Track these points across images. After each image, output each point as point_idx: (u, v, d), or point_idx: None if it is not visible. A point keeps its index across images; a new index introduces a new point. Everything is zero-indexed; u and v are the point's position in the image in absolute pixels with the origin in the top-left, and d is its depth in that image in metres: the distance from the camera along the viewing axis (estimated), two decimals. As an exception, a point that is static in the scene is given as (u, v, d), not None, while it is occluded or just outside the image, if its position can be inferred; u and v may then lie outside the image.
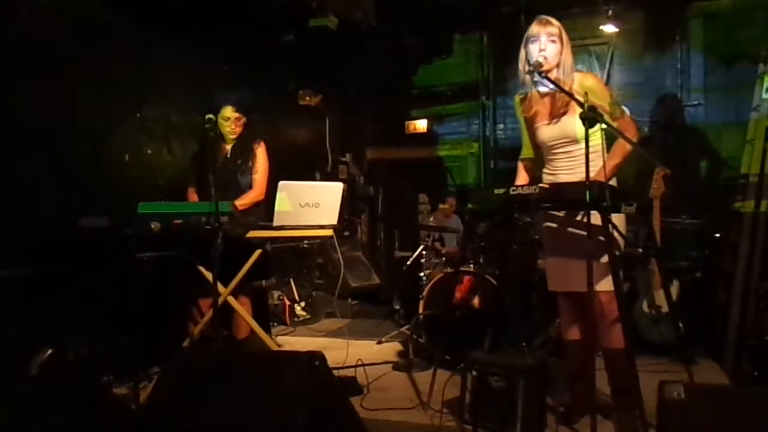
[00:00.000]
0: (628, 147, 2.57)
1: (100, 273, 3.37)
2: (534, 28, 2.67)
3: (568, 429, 2.78)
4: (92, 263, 3.32)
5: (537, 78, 2.70)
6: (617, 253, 2.63)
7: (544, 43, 2.64)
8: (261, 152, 3.66)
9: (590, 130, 2.39)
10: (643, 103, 5.28)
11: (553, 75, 2.64)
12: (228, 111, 3.54)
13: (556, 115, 2.72)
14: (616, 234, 2.60)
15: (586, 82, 2.68)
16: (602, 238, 2.45)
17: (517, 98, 2.91)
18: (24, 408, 2.08)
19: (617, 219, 2.61)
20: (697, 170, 5.15)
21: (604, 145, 2.62)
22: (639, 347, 3.43)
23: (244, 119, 3.62)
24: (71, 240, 3.21)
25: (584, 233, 2.35)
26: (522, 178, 3.00)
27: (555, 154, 2.78)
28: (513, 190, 2.58)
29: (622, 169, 2.68)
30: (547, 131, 2.77)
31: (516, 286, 3.99)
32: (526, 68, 2.70)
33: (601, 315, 2.63)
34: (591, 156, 2.38)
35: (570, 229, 2.70)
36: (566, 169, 2.72)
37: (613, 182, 2.67)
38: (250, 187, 3.62)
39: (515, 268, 4.17)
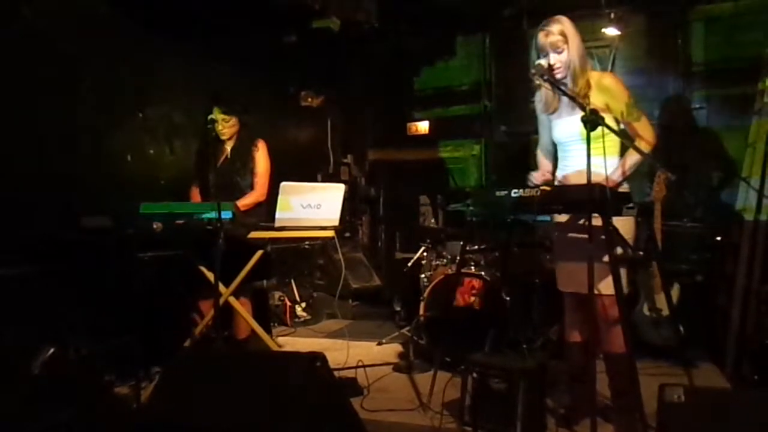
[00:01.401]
0: (642, 149, 2.57)
1: (102, 273, 3.37)
2: (539, 41, 2.66)
3: (568, 431, 2.79)
4: (94, 263, 3.33)
5: (540, 81, 2.70)
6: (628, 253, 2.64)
7: (553, 57, 2.64)
8: (260, 153, 3.66)
9: (601, 132, 2.40)
10: (644, 106, 5.26)
11: (563, 77, 2.65)
12: (216, 112, 3.53)
13: (568, 111, 2.73)
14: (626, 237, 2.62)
15: (603, 81, 2.68)
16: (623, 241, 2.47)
17: (536, 100, 2.90)
18: (26, 406, 2.09)
19: (625, 222, 2.62)
20: (698, 173, 5.15)
21: (605, 147, 2.62)
22: (639, 350, 3.43)
23: (233, 120, 3.60)
24: (73, 239, 3.22)
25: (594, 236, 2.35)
26: (544, 165, 2.96)
27: (567, 151, 2.79)
28: (514, 193, 2.59)
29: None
30: (561, 127, 2.78)
31: (517, 288, 3.99)
32: (531, 71, 2.70)
33: (604, 318, 2.64)
34: (598, 159, 2.39)
35: (579, 231, 2.69)
36: (576, 166, 2.71)
37: (624, 186, 2.69)
38: (251, 188, 3.63)
39: (516, 270, 4.17)
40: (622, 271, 2.62)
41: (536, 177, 2.81)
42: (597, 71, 2.74)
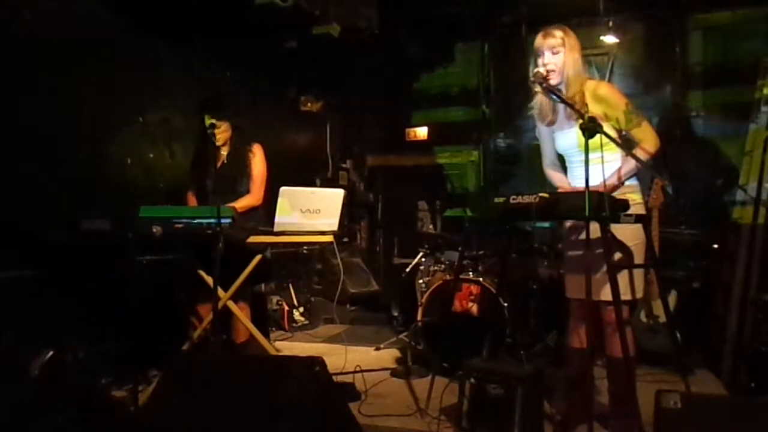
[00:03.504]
0: (644, 155, 2.58)
1: (100, 276, 3.38)
2: (537, 42, 2.69)
3: (565, 437, 2.79)
4: (93, 266, 3.33)
5: (538, 89, 2.72)
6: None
7: (548, 57, 2.66)
8: (257, 157, 3.65)
9: (600, 141, 2.42)
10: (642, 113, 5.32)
11: (557, 83, 2.66)
12: (207, 119, 3.51)
13: (566, 123, 2.74)
14: (633, 243, 2.64)
15: (599, 90, 2.68)
16: (626, 247, 2.49)
17: (533, 109, 2.91)
18: (24, 409, 2.09)
19: (634, 228, 2.63)
20: (695, 181, 5.17)
21: (607, 154, 2.62)
22: (636, 357, 3.44)
23: (225, 126, 3.58)
24: (73, 243, 3.22)
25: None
26: (559, 179, 2.93)
27: (572, 162, 2.81)
28: (513, 199, 2.59)
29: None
30: (561, 139, 2.79)
31: (515, 294, 4.00)
32: (530, 78, 2.71)
33: (611, 323, 2.64)
34: (607, 164, 2.41)
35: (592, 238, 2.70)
36: (581, 178, 2.72)
37: (634, 191, 2.70)
38: (249, 191, 3.63)
39: (514, 276, 4.18)
40: (631, 277, 2.64)
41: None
42: (593, 81, 2.75)
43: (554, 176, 2.95)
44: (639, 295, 2.74)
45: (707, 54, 5.34)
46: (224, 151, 3.66)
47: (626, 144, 2.63)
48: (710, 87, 5.30)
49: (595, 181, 2.45)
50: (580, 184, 2.70)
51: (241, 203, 3.52)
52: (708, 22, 5.33)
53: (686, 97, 5.39)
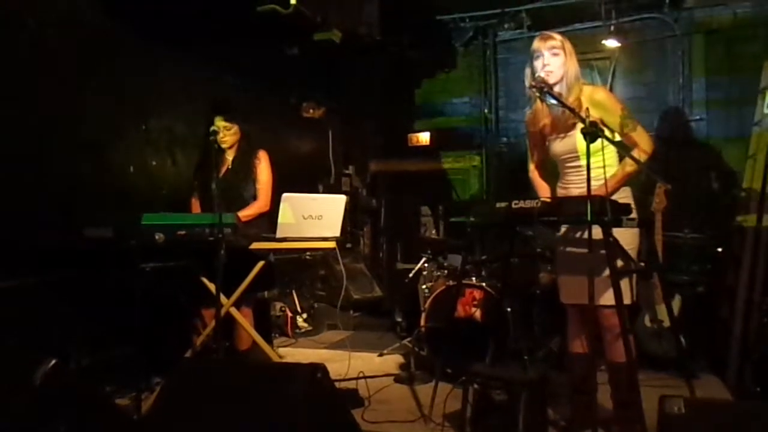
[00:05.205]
0: (640, 158, 2.58)
1: (103, 283, 3.38)
2: (536, 44, 2.70)
3: (569, 443, 2.78)
4: (96, 273, 3.33)
5: (539, 94, 2.71)
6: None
7: (547, 58, 2.66)
8: (263, 164, 3.66)
9: (600, 145, 2.41)
10: (644, 117, 5.29)
11: (557, 89, 2.66)
12: (217, 121, 3.52)
13: (564, 128, 2.73)
14: (627, 248, 2.63)
15: (596, 95, 2.69)
16: (624, 252, 2.50)
17: (527, 114, 2.91)
18: (26, 417, 2.09)
19: (627, 233, 2.62)
20: (699, 185, 5.16)
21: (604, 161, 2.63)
22: (640, 361, 3.43)
23: (235, 128, 3.59)
24: (75, 250, 3.23)
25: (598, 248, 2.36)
26: (543, 188, 2.95)
27: (566, 167, 2.80)
28: (515, 204, 2.59)
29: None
30: (557, 145, 2.79)
31: (518, 299, 4.00)
32: (531, 83, 2.72)
33: (609, 328, 2.63)
34: (603, 170, 2.41)
35: (581, 243, 2.69)
36: (577, 183, 2.72)
37: (627, 197, 2.69)
38: (255, 198, 3.64)
39: (517, 281, 4.17)
40: (629, 281, 2.64)
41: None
42: (589, 86, 2.75)
43: (539, 185, 2.95)
44: (634, 299, 2.75)
45: (709, 57, 5.33)
46: (230, 156, 3.66)
47: (624, 147, 2.63)
48: (712, 90, 5.29)
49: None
50: (575, 189, 2.70)
51: (249, 211, 3.52)
52: (709, 25, 5.32)
53: (688, 100, 5.37)
